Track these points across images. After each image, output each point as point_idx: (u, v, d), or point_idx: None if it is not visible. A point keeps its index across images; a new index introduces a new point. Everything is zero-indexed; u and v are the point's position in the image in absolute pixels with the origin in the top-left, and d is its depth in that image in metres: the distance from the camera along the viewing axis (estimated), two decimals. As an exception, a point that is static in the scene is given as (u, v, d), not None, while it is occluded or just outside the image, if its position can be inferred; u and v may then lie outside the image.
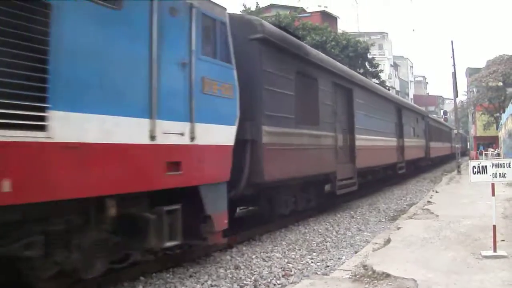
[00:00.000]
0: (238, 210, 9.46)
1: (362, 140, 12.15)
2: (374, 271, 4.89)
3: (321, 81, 9.82)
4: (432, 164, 27.85)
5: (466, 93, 54.60)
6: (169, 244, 4.96)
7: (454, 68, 25.24)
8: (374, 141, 13.57)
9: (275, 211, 8.36)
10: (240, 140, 6.53)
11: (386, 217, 10.19)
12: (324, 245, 7.36)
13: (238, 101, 6.19)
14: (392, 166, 16.71)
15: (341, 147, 10.84)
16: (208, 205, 5.50)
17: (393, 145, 16.44)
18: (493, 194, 5.85)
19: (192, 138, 5.21)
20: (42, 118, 3.62)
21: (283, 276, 5.60)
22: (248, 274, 5.64)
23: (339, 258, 6.42)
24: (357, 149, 11.65)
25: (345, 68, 12.48)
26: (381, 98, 15.48)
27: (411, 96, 72.71)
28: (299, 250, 6.95)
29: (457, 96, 28.73)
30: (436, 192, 13.72)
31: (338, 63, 11.99)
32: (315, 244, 7.36)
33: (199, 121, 5.32)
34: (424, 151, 23.19)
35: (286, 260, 6.31)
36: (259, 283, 5.33)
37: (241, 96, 6.27)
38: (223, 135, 5.89)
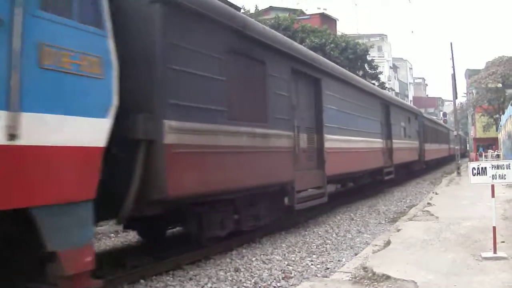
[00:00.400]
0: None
1: (333, 141, 10.08)
2: (374, 273, 4.89)
3: (271, 65, 7.63)
4: (427, 168, 26.24)
5: (465, 95, 54.76)
6: None
7: (454, 69, 25.35)
8: (352, 143, 11.53)
9: (205, 233, 6.46)
10: (131, 140, 4.91)
11: (386, 219, 10.17)
12: (324, 247, 7.35)
13: (116, 83, 4.41)
14: (377, 171, 14.61)
15: (304, 150, 8.83)
16: (50, 237, 3.75)
17: (378, 147, 14.42)
18: (493, 196, 5.86)
19: (12, 136, 3.46)
20: None
21: (283, 278, 5.59)
22: (248, 277, 5.64)
23: (339, 260, 6.41)
24: (326, 152, 9.54)
25: (310, 52, 10.05)
26: (362, 92, 13.08)
27: (410, 97, 72.88)
28: (299, 252, 6.94)
29: (456, 98, 28.82)
30: (436, 193, 13.72)
31: (299, 45, 9.81)
32: (315, 246, 7.35)
33: (30, 109, 3.59)
34: (417, 154, 21.35)
35: (286, 263, 6.31)
36: (259, 285, 5.33)
37: (134, 78, 4.79)
38: (82, 131, 4.09)
